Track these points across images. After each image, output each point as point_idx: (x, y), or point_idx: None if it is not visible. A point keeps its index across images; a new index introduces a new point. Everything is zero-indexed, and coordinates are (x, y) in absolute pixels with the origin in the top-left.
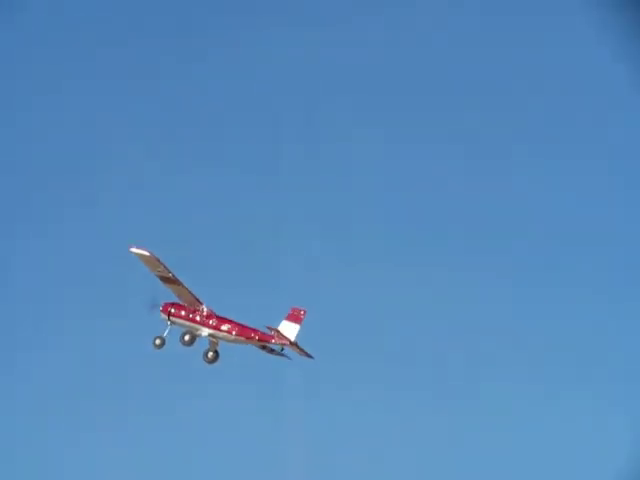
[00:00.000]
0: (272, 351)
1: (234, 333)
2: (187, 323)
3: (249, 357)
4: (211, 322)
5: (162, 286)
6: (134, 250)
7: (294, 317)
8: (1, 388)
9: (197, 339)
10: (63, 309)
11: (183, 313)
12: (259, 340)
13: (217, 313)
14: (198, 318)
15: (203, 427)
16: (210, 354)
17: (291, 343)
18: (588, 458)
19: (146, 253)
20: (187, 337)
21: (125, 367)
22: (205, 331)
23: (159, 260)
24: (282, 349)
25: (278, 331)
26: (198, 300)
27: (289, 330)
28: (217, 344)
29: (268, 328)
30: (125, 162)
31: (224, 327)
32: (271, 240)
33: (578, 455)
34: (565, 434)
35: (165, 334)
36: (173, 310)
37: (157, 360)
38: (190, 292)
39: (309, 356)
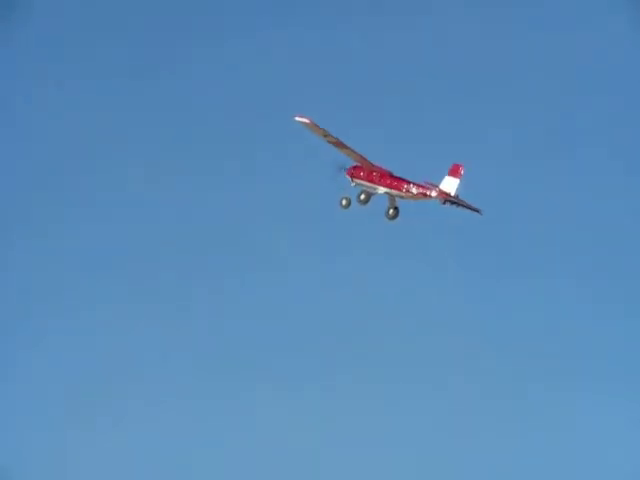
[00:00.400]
0: (460, 205)
1: (409, 189)
2: (367, 183)
3: (434, 212)
4: (388, 181)
5: (338, 152)
6: (298, 119)
7: (454, 172)
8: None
9: (372, 197)
10: None
11: (362, 174)
12: (431, 196)
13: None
14: (375, 178)
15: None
16: (391, 211)
17: (451, 196)
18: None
19: (307, 120)
20: (363, 196)
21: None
22: (381, 189)
23: (319, 126)
24: (444, 203)
25: (436, 186)
26: (369, 161)
27: (450, 185)
28: (395, 201)
29: (427, 183)
30: None
31: (399, 184)
32: None
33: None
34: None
35: (358, 194)
36: (356, 172)
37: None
38: (360, 155)
39: (476, 210)
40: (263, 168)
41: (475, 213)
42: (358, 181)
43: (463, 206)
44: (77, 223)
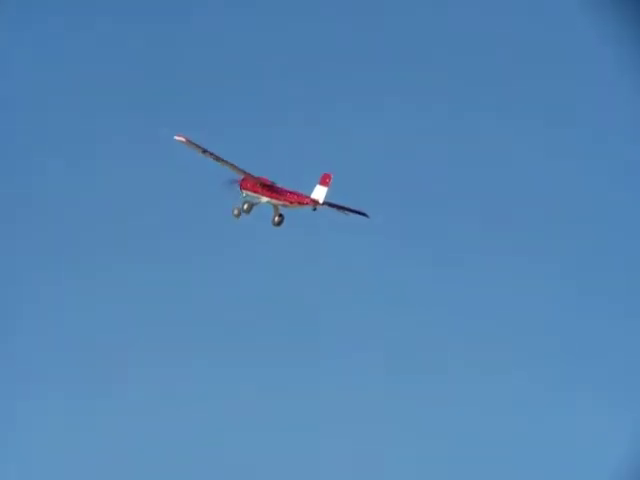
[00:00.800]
0: (346, 210)
1: (288, 199)
2: (253, 194)
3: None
4: (269, 191)
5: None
6: (177, 138)
7: (323, 181)
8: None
9: (255, 207)
10: None
11: (248, 185)
12: (304, 203)
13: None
14: (259, 189)
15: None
16: (276, 218)
17: (322, 204)
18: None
19: (184, 139)
20: (246, 206)
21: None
22: (264, 199)
23: (196, 144)
24: (315, 209)
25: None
26: (250, 174)
27: (319, 193)
28: (278, 209)
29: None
30: None
31: (279, 194)
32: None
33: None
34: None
35: (241, 205)
36: (243, 184)
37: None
38: (241, 169)
39: (363, 214)
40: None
41: (362, 216)
42: (246, 192)
43: (345, 210)
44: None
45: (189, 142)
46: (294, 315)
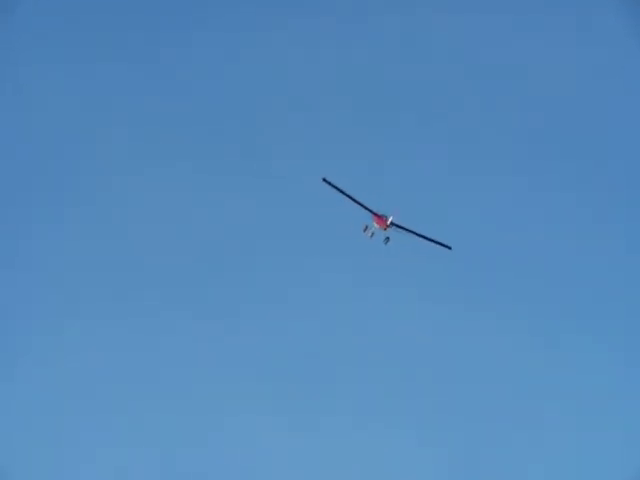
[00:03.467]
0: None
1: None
2: (376, 226)
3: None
4: (386, 224)
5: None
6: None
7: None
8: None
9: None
10: None
11: (375, 221)
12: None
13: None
14: (381, 223)
15: None
16: (385, 239)
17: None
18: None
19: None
20: (369, 232)
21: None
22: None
23: (339, 189)
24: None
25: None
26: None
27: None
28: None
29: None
30: None
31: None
32: None
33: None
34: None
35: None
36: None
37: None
38: (368, 208)
39: (447, 247)
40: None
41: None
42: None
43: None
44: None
45: (333, 186)
46: None
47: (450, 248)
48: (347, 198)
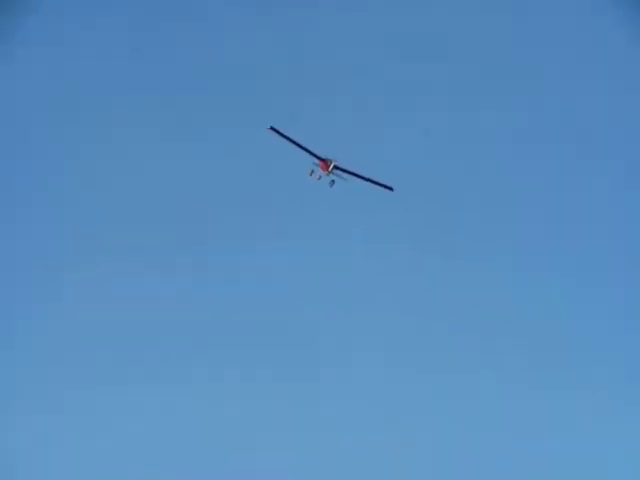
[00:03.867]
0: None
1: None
2: (321, 171)
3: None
4: (329, 168)
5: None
6: (269, 130)
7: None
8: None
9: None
10: None
11: (320, 166)
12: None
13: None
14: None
15: None
16: (331, 182)
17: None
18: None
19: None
20: (315, 175)
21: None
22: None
23: (283, 135)
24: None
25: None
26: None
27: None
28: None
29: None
30: None
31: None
32: None
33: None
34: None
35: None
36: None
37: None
38: (313, 152)
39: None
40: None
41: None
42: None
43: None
44: None
45: (279, 133)
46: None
47: (392, 189)
48: (293, 145)
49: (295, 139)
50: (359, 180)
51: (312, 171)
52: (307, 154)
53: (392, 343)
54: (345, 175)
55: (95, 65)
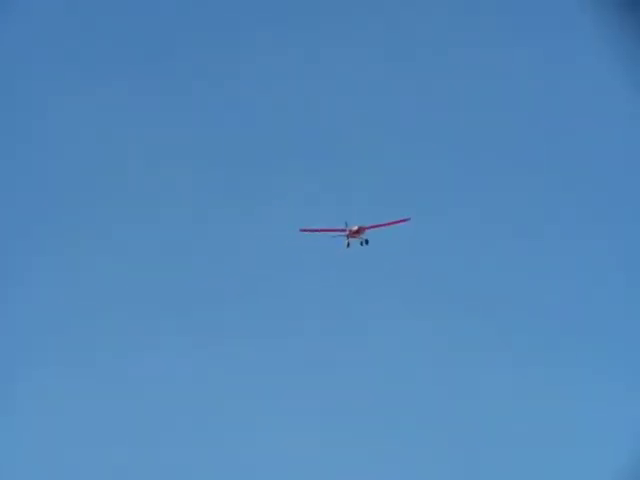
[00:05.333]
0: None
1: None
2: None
3: None
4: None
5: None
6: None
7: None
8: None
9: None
10: None
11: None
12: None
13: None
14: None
15: None
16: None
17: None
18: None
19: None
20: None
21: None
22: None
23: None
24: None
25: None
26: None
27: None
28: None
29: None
30: None
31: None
32: None
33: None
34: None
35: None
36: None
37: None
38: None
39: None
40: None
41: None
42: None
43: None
44: None
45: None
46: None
47: (408, 219)
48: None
49: (325, 228)
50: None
51: (348, 243)
52: (338, 233)
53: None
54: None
55: None
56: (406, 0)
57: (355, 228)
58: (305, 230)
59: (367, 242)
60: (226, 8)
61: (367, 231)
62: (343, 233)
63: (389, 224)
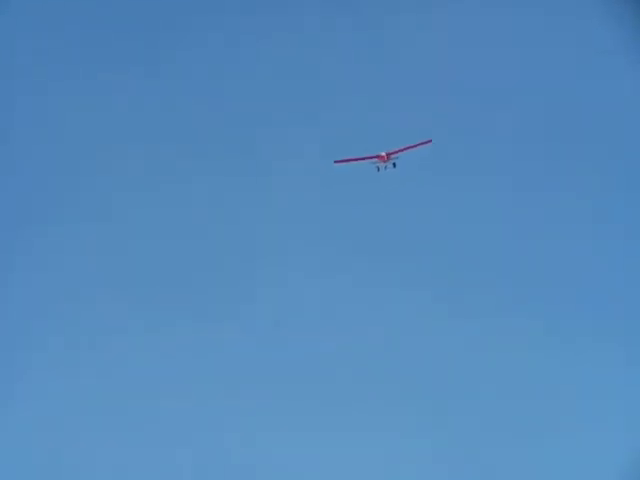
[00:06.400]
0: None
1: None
2: (381, 163)
3: None
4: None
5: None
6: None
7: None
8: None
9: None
10: None
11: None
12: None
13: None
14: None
15: None
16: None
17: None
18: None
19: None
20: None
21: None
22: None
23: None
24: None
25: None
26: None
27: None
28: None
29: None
30: None
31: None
32: None
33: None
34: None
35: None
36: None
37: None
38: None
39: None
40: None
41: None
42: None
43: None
44: None
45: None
46: None
47: (430, 141)
48: (356, 161)
49: (355, 157)
50: (407, 151)
51: (377, 167)
52: (368, 160)
53: None
54: (397, 155)
55: None
56: None
57: (383, 154)
58: (339, 162)
59: (395, 165)
60: None
61: (394, 155)
62: (373, 161)
63: (413, 147)
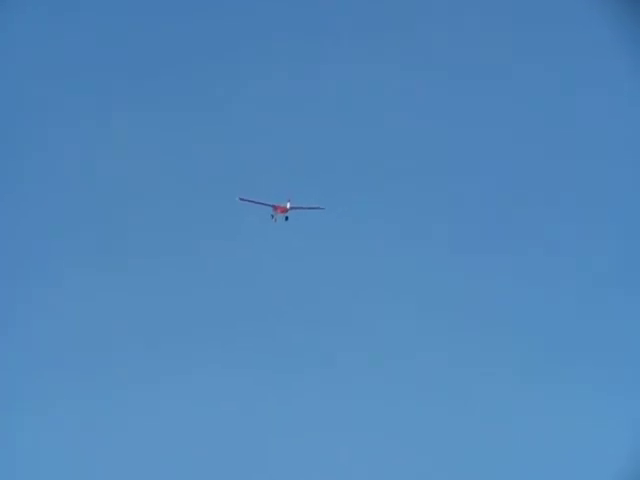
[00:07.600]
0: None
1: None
2: (278, 213)
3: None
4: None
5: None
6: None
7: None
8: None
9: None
10: None
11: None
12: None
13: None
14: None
15: None
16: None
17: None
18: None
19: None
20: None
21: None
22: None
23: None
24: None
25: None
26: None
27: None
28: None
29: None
30: None
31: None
32: None
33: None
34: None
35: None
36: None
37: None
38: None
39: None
40: None
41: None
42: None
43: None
44: None
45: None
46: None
47: (324, 208)
48: (257, 204)
49: (258, 200)
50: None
51: (272, 216)
52: (268, 207)
53: None
54: (295, 210)
55: None
56: None
57: (286, 206)
58: (244, 199)
59: (287, 219)
60: None
61: (292, 211)
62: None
63: (307, 208)
